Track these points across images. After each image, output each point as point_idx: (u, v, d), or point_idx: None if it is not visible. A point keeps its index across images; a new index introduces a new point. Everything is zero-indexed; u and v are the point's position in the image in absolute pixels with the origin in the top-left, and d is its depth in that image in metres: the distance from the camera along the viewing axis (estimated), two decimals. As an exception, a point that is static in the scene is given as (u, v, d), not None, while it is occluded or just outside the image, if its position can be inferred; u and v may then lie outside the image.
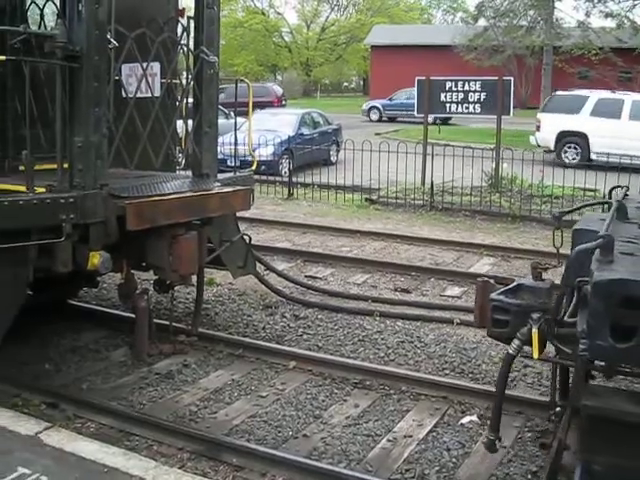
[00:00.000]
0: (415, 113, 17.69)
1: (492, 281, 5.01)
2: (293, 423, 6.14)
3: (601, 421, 3.79)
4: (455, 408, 6.37)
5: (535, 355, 4.28)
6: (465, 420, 6.17)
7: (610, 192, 5.90)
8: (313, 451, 5.71)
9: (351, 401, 6.55)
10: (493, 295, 4.65)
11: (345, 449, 5.74)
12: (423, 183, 16.35)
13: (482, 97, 16.53)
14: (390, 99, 45.36)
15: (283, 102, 42.29)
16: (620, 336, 3.48)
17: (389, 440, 5.88)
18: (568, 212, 5.98)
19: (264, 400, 6.51)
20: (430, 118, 40.80)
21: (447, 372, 7.17)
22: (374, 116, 43.96)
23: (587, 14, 33.99)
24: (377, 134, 30.09)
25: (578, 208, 6.53)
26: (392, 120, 42.63)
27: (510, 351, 4.46)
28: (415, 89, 17.12)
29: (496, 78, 16.86)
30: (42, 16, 7.45)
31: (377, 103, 45.91)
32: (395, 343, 7.85)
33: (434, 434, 5.98)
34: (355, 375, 6.96)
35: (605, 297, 3.49)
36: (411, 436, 5.93)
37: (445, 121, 34.24)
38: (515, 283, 4.78)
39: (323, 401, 6.53)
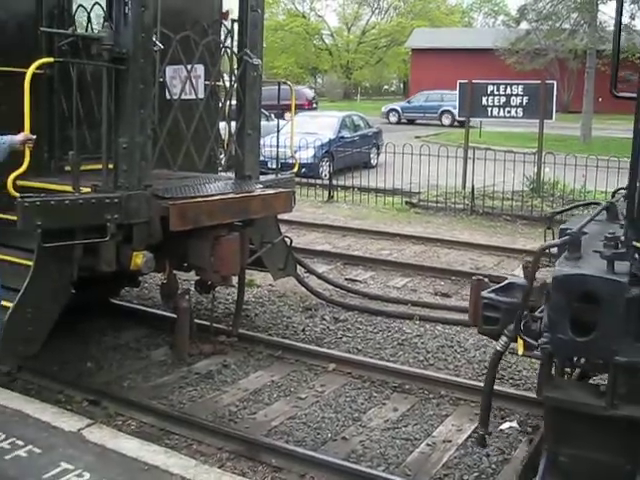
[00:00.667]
0: (457, 117, 17.60)
1: (486, 279, 5.03)
2: (332, 425, 6.14)
3: (563, 413, 3.85)
4: (495, 414, 6.31)
5: (520, 351, 4.34)
6: (505, 426, 6.12)
7: (614, 193, 5.87)
8: (352, 454, 5.71)
9: (390, 405, 6.54)
10: (484, 293, 4.68)
11: (384, 452, 5.74)
12: (464, 187, 16.27)
13: (524, 101, 16.41)
14: (409, 101, 45.73)
15: (314, 105, 42.13)
16: (580, 330, 3.58)
17: (428, 444, 5.86)
18: (560, 212, 6.01)
19: (303, 402, 6.53)
20: (447, 121, 40.81)
21: (487, 377, 7.12)
22: (393, 118, 44.04)
23: (632, 17, 33.41)
24: (417, 137, 30.01)
25: (570, 208, 6.56)
26: (411, 122, 42.95)
27: (498, 348, 4.49)
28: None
29: (538, 82, 16.72)
30: (89, 19, 7.55)
31: (396, 105, 46.04)
32: (435, 347, 7.82)
33: (473, 439, 5.94)
34: (394, 379, 6.95)
35: (565, 292, 3.61)
36: (450, 441, 5.91)
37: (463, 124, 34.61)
38: (506, 281, 4.83)
39: (362, 404, 6.53)
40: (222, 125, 8.01)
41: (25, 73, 5.85)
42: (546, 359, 3.90)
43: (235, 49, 7.56)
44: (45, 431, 5.21)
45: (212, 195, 6.75)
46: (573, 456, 3.91)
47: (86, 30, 7.52)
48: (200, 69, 7.48)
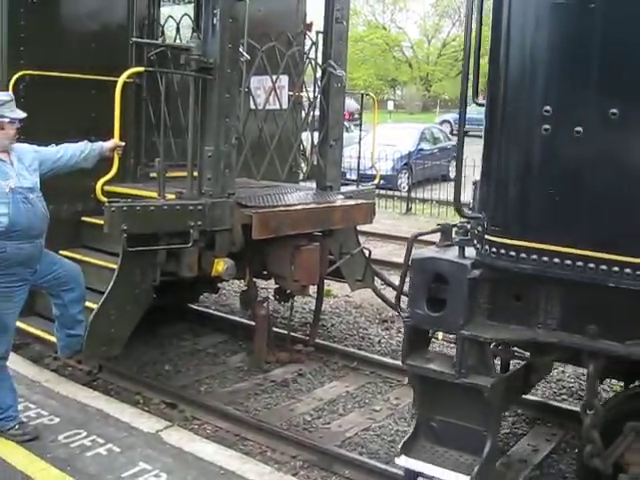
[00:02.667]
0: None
1: None
2: (406, 439, 6.10)
3: (428, 381, 4.25)
4: (572, 435, 6.18)
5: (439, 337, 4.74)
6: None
7: None
8: (425, 468, 5.66)
9: (465, 421, 6.45)
10: None
11: (458, 469, 5.66)
12: (543, 202, 15.99)
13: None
14: None
15: (355, 116, 41.50)
16: (435, 306, 4.07)
17: (503, 463, 5.74)
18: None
19: (378, 414, 6.50)
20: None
21: (564, 397, 6.98)
22: (445, 129, 43.28)
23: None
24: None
25: None
26: (464, 134, 42.11)
27: None
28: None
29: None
30: (178, 30, 7.71)
31: (449, 117, 45.51)
32: (513, 363, 7.69)
33: (550, 460, 5.82)
34: (470, 394, 6.85)
35: (421, 272, 4.12)
36: (526, 461, 5.78)
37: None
38: None
39: (437, 419, 6.47)
40: (304, 135, 8.08)
41: (115, 82, 6.01)
42: (408, 331, 4.33)
43: (319, 60, 7.63)
44: (125, 431, 5.33)
45: (294, 205, 6.81)
46: (442, 422, 4.28)
47: (174, 40, 7.69)
48: (284, 80, 7.56)
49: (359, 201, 7.52)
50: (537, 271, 3.71)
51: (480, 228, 4.00)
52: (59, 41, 6.82)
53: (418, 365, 4.25)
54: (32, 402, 5.72)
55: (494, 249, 3.85)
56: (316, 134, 7.76)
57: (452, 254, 4.11)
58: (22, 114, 5.06)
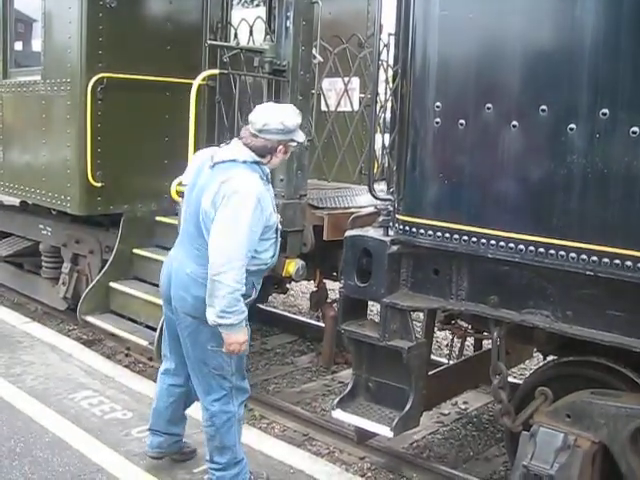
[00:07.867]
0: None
1: None
2: (474, 443, 6.07)
3: (362, 345, 4.67)
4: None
5: None
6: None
7: None
8: (494, 474, 5.61)
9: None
10: None
11: (527, 476, 5.59)
12: None
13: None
14: None
15: None
16: (364, 277, 4.51)
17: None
18: None
19: (446, 418, 6.47)
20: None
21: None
22: None
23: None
24: None
25: None
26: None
27: None
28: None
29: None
30: (251, 32, 7.77)
31: None
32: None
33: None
34: (540, 401, 6.77)
35: (351, 249, 4.58)
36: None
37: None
38: None
39: (506, 424, 6.40)
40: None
41: (189, 84, 6.11)
42: (342, 299, 4.75)
43: (391, 62, 7.60)
44: (196, 427, 5.34)
45: (365, 206, 6.80)
46: (377, 382, 4.74)
47: (247, 43, 7.75)
48: (355, 82, 7.56)
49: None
50: (433, 245, 4.21)
51: (392, 209, 4.50)
52: (135, 44, 6.97)
53: (350, 329, 4.67)
54: (106, 397, 5.85)
55: (402, 226, 4.35)
56: (387, 136, 7.74)
57: (378, 232, 4.53)
58: (303, 136, 4.40)
